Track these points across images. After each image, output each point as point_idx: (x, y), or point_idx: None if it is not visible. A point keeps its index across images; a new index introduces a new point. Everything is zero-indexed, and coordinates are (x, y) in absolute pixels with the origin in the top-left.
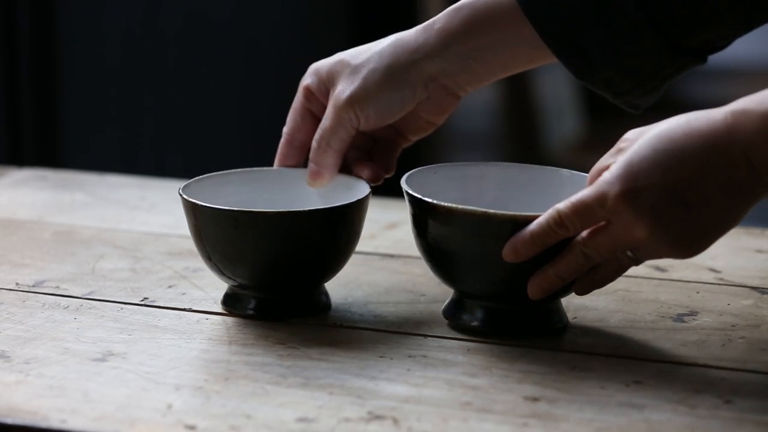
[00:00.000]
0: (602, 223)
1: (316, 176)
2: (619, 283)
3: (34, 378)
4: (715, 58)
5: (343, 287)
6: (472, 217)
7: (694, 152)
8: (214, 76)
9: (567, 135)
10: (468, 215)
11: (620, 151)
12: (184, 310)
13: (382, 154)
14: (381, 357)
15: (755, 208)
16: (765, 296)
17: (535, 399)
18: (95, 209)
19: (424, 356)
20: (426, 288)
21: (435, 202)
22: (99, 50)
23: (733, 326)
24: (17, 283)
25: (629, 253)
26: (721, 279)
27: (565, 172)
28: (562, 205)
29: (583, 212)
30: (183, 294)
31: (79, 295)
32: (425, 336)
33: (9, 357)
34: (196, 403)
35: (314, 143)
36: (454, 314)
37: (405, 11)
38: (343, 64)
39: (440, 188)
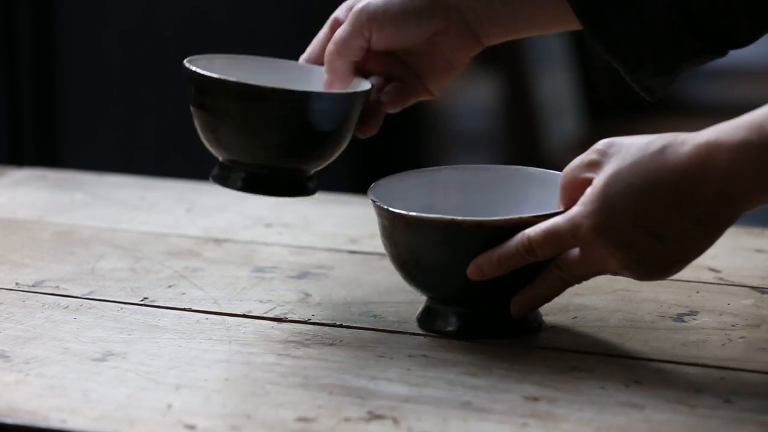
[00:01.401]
0: (575, 249)
1: (328, 85)
2: (619, 283)
3: (33, 378)
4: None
5: (343, 287)
6: (439, 225)
7: (668, 188)
8: None
9: (567, 135)
10: (436, 223)
11: (594, 166)
12: (183, 309)
13: (394, 96)
14: (381, 357)
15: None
16: (765, 296)
17: (535, 399)
18: (95, 209)
19: (424, 356)
20: None
21: (402, 212)
22: (99, 50)
23: (733, 326)
24: (17, 283)
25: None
26: (721, 279)
27: (532, 170)
28: (532, 231)
29: (554, 240)
30: (183, 294)
31: (79, 295)
32: (425, 336)
33: (9, 357)
34: (196, 403)
35: (328, 48)
36: (427, 320)
37: None
38: None
39: (408, 195)
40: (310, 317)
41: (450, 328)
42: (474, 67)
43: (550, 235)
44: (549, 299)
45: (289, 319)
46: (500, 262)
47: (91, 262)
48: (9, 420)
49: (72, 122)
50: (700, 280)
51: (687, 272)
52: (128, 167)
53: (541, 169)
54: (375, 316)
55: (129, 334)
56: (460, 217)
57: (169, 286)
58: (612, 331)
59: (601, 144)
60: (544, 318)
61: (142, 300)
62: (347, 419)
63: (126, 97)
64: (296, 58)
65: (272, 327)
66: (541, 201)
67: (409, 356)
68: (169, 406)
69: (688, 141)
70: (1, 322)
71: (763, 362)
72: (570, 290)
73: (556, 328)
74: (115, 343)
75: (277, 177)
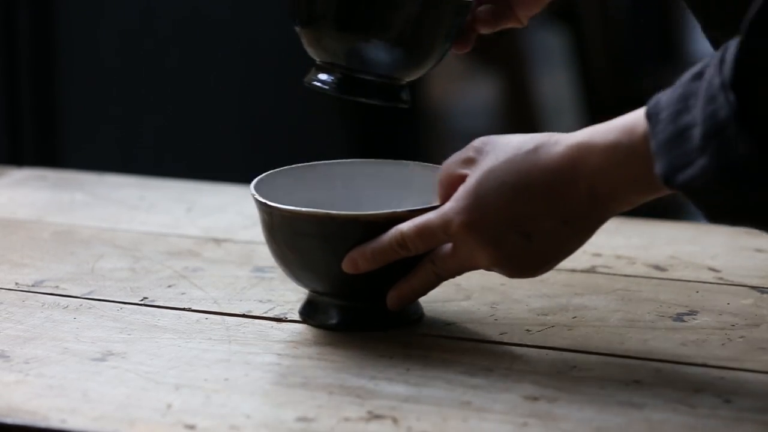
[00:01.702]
0: (448, 244)
1: None
2: (618, 283)
3: (33, 378)
4: None
5: None
6: (315, 219)
7: (539, 187)
8: (214, 75)
9: None
10: (311, 217)
11: (469, 162)
12: (183, 309)
13: (488, 16)
14: (381, 357)
15: None
16: (764, 296)
17: (535, 398)
18: (95, 209)
19: (424, 356)
20: None
21: (279, 206)
22: (98, 50)
23: (733, 326)
24: (17, 283)
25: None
26: (720, 278)
27: (413, 164)
28: (405, 226)
29: (426, 235)
30: (182, 294)
31: (79, 295)
32: (425, 336)
33: (9, 357)
34: (195, 403)
35: None
36: (309, 314)
37: None
38: None
39: (292, 190)
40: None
41: (331, 321)
42: (474, 67)
43: (422, 231)
44: (424, 293)
45: (289, 319)
46: (374, 256)
47: (91, 262)
48: (9, 420)
49: (72, 122)
50: (700, 280)
51: (686, 272)
52: (128, 167)
53: (424, 164)
54: None
55: (129, 334)
56: (335, 212)
57: (169, 286)
58: (612, 330)
59: (478, 141)
60: (544, 317)
61: (141, 300)
62: (347, 419)
63: (126, 97)
64: (295, 58)
65: (272, 327)
66: (423, 195)
67: (409, 356)
68: (169, 406)
69: (561, 141)
70: (1, 322)
71: (763, 362)
72: (570, 290)
73: (556, 328)
74: (115, 343)
75: (372, 81)
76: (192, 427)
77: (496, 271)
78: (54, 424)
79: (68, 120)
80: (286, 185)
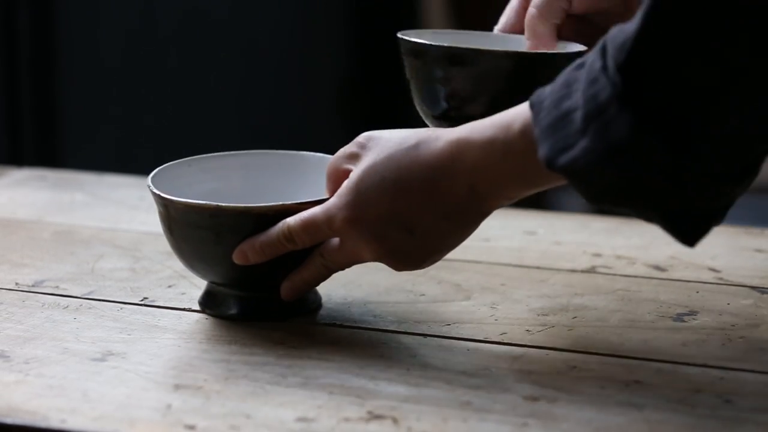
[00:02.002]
0: (336, 238)
1: (532, 46)
2: (618, 283)
3: (33, 378)
4: None
5: (343, 287)
6: (205, 210)
7: (419, 183)
8: (214, 75)
9: None
10: (202, 209)
11: (354, 158)
12: (183, 309)
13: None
14: (381, 357)
15: (755, 208)
16: (765, 296)
17: (535, 399)
18: (95, 209)
19: (424, 356)
20: (425, 287)
21: (172, 198)
22: (98, 50)
23: (733, 326)
24: (17, 283)
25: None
26: (720, 279)
27: (309, 155)
28: (292, 220)
29: (311, 230)
30: (183, 294)
31: (79, 295)
32: (425, 336)
33: (9, 357)
34: (195, 403)
35: (529, 12)
36: (209, 305)
37: (405, 10)
38: None
39: (194, 181)
40: (310, 317)
41: (231, 312)
42: None
43: (308, 225)
44: (315, 284)
45: (289, 319)
46: (262, 250)
47: (91, 262)
48: (9, 420)
49: (72, 122)
50: (700, 280)
51: (687, 272)
52: (128, 167)
53: (321, 155)
54: (375, 316)
55: (129, 334)
56: (225, 204)
57: (169, 286)
58: (612, 331)
59: (362, 136)
60: (544, 318)
61: (142, 300)
62: (347, 419)
63: (126, 97)
64: (295, 58)
65: (272, 327)
66: (319, 186)
67: (409, 356)
68: (169, 406)
69: (441, 137)
70: (1, 322)
71: (763, 362)
72: (570, 290)
73: (556, 328)
74: (115, 343)
75: None
76: (192, 427)
77: (384, 263)
78: (54, 424)
79: (68, 120)
80: (188, 175)
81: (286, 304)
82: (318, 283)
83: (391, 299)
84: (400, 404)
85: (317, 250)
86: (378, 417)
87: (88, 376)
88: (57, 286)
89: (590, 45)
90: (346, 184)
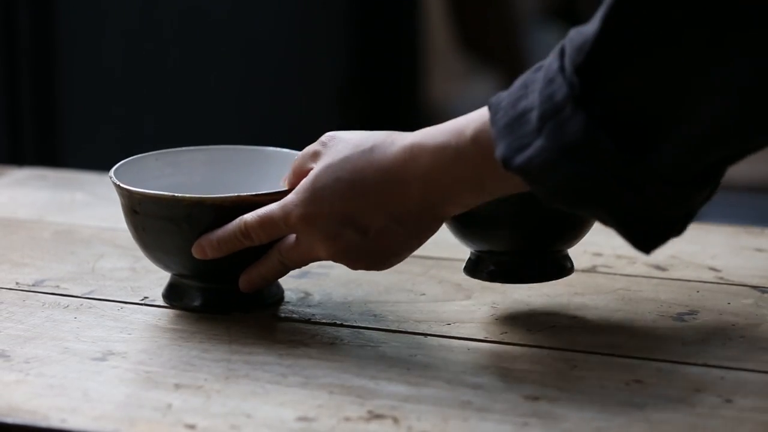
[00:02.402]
0: (293, 235)
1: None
2: (619, 282)
3: (34, 377)
4: None
5: (343, 287)
6: (162, 201)
7: (372, 186)
8: (214, 75)
9: None
10: (159, 200)
11: (315, 156)
12: (184, 309)
13: None
14: (381, 356)
15: (755, 207)
16: (765, 295)
17: (536, 398)
18: (95, 208)
19: (424, 356)
20: (426, 287)
21: (132, 188)
22: (99, 50)
23: (733, 325)
24: (17, 283)
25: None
26: (721, 278)
27: (276, 151)
28: (248, 216)
29: (268, 226)
30: None
31: (79, 295)
32: (425, 335)
33: (9, 356)
34: (196, 403)
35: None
36: (172, 297)
37: (405, 10)
38: None
39: (158, 174)
40: (310, 317)
41: (194, 304)
42: (474, 67)
43: (265, 221)
44: (273, 279)
45: (289, 318)
46: (219, 245)
47: (92, 262)
48: (9, 420)
49: (72, 122)
50: (700, 280)
51: (687, 271)
52: None
53: (287, 150)
54: (375, 315)
55: (129, 334)
56: (180, 194)
57: None
58: (612, 330)
59: (325, 136)
60: (545, 317)
61: (142, 299)
62: (347, 419)
63: (126, 97)
64: (295, 57)
65: (272, 327)
66: (279, 180)
67: (409, 356)
68: (169, 406)
69: (396, 142)
70: (1, 322)
71: (763, 361)
72: (570, 290)
73: (556, 328)
74: (115, 342)
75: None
76: (192, 427)
77: (339, 262)
78: (54, 423)
79: (68, 120)
80: (153, 169)
81: (248, 296)
82: (275, 279)
83: (392, 299)
84: (401, 404)
85: (275, 247)
86: (378, 416)
87: (88, 375)
88: (57, 286)
89: None
90: (303, 181)
